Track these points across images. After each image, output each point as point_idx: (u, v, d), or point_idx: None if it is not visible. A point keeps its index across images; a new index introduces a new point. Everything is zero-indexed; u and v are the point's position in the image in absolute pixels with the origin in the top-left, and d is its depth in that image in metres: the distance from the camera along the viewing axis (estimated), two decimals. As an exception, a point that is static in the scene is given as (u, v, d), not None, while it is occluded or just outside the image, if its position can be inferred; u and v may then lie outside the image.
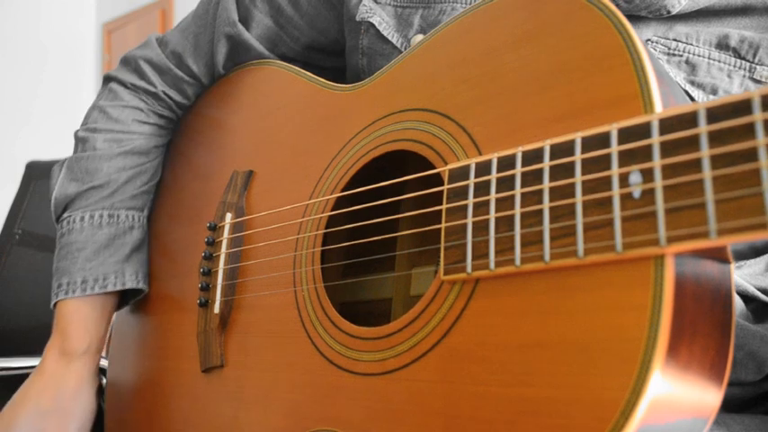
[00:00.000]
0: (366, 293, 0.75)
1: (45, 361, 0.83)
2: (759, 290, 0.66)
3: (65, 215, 0.87)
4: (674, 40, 0.68)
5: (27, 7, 5.34)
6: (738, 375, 0.62)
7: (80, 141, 0.90)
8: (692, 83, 0.68)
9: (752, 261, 0.69)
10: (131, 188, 0.88)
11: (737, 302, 0.64)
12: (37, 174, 1.59)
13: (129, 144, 0.89)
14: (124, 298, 0.89)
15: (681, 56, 0.68)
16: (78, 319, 0.83)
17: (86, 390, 0.84)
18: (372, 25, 0.78)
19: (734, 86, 0.68)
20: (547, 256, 0.45)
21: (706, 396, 0.43)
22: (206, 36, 0.90)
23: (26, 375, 1.07)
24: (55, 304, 0.84)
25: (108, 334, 0.89)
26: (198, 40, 0.90)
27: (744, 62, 0.68)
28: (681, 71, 0.68)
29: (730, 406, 0.64)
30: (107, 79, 0.95)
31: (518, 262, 0.46)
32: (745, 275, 0.67)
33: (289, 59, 0.87)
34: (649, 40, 0.68)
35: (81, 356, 0.83)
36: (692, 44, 0.68)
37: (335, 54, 0.89)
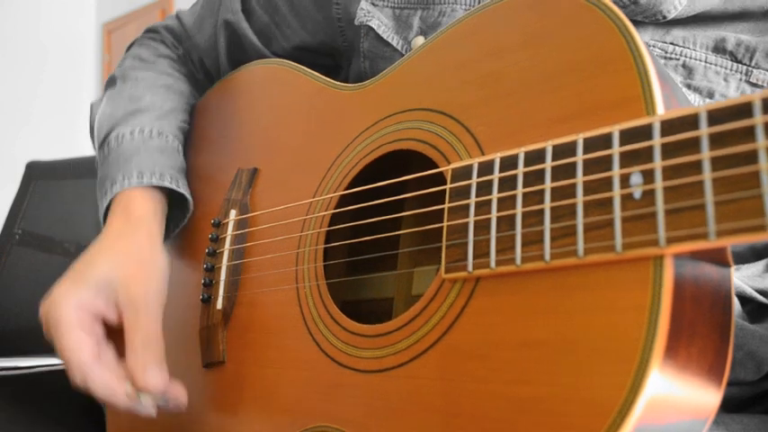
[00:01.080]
0: (368, 292, 0.75)
1: (111, 225, 0.76)
2: (757, 291, 0.65)
3: (112, 134, 0.81)
4: (671, 43, 0.68)
5: (27, 7, 5.34)
6: (737, 375, 0.62)
7: (119, 79, 0.89)
8: (689, 86, 0.68)
9: (750, 263, 0.69)
10: (174, 118, 0.86)
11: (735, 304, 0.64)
12: (37, 174, 1.59)
13: (167, 80, 0.89)
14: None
15: (677, 59, 0.68)
16: (140, 196, 0.77)
17: (160, 247, 0.76)
18: (371, 29, 0.78)
19: (730, 90, 0.68)
20: (547, 256, 0.45)
21: (704, 397, 0.43)
22: (210, 20, 0.93)
23: (26, 375, 1.05)
24: (106, 212, 0.77)
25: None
26: (203, 22, 0.94)
27: (740, 66, 0.68)
28: (677, 75, 0.68)
29: (729, 405, 0.64)
30: (133, 42, 0.98)
31: (519, 261, 0.47)
32: (744, 277, 0.67)
33: (279, 57, 0.88)
34: (646, 44, 0.68)
35: (149, 222, 0.76)
36: (688, 48, 0.68)
37: (323, 55, 0.89)
